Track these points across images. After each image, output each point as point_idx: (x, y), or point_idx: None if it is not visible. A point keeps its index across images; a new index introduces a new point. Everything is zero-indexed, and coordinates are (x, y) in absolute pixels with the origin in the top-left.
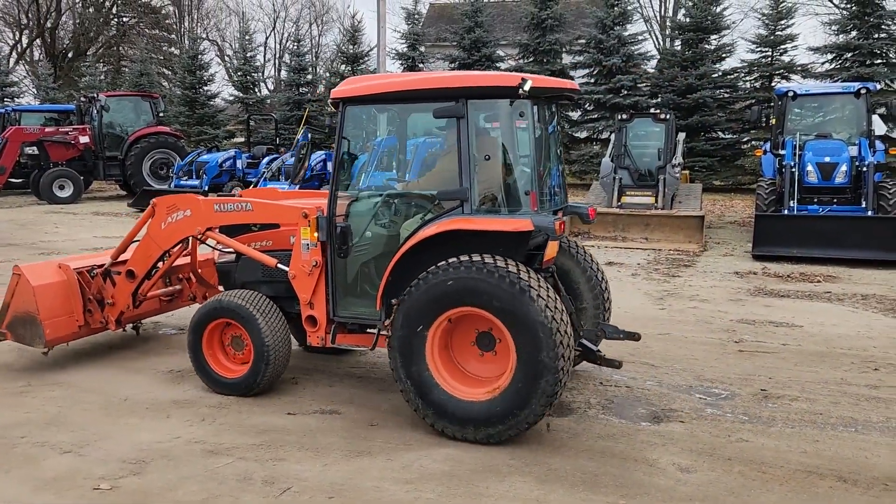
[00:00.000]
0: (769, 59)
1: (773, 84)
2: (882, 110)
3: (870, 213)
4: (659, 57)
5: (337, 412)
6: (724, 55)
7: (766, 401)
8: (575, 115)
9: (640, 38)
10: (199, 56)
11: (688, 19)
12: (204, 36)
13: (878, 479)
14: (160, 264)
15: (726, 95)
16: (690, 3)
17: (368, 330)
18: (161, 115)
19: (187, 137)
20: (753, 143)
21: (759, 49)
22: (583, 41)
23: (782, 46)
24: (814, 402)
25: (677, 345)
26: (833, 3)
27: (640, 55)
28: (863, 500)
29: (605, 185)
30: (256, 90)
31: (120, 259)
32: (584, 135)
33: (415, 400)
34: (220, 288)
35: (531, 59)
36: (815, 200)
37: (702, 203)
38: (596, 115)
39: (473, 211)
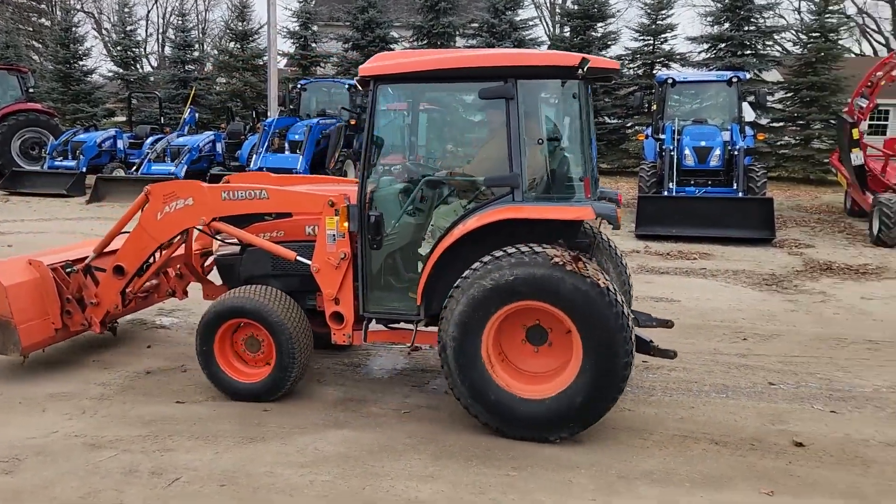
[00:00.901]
0: (651, 47)
1: (654, 71)
2: (751, 98)
3: (740, 194)
4: (549, 43)
5: (228, 399)
6: (609, 42)
7: (647, 371)
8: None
9: (530, 23)
10: (74, 28)
11: (576, 7)
12: (79, 7)
13: (745, 440)
14: (154, 258)
15: (612, 81)
16: None
17: (396, 325)
18: (31, 90)
19: (62, 116)
20: (637, 127)
21: (641, 38)
22: (476, 25)
23: (663, 35)
24: (689, 371)
25: None
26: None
27: (531, 41)
28: (732, 459)
29: None
30: (138, 66)
31: (106, 251)
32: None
33: (468, 400)
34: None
35: (425, 42)
36: (693, 182)
37: None
38: None
39: (524, 198)
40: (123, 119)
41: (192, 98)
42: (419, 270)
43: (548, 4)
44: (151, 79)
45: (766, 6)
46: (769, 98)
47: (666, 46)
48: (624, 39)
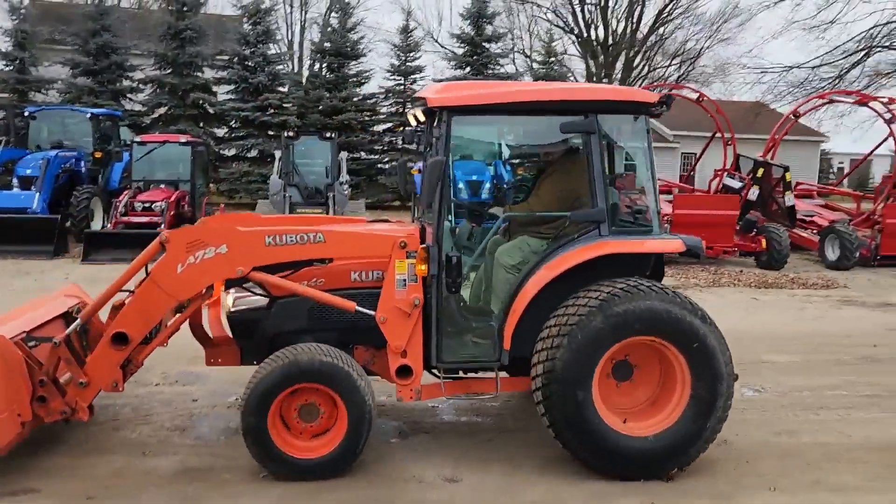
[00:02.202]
0: (402, 86)
1: (406, 109)
2: None
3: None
4: (306, 78)
5: (35, 490)
6: (363, 80)
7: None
8: (221, 132)
9: (284, 57)
10: None
11: (328, 44)
12: None
13: None
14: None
15: (367, 118)
16: (330, 29)
17: (463, 374)
18: None
19: None
20: (394, 163)
21: (393, 77)
22: (226, 57)
23: (412, 76)
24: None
25: None
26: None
27: (285, 75)
28: None
29: (276, 203)
30: None
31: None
32: (231, 152)
33: (575, 444)
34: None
35: (170, 71)
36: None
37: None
38: (243, 133)
39: (610, 232)
40: None
41: None
42: (500, 312)
43: (299, 40)
44: None
45: (500, 54)
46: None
47: (417, 86)
48: (377, 78)
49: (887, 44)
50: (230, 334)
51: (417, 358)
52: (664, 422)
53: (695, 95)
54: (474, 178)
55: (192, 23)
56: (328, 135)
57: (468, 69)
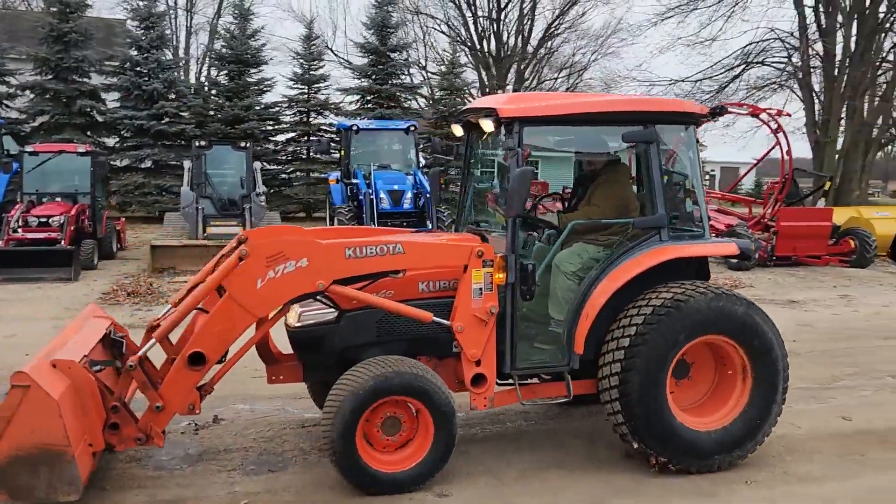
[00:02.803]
0: (306, 95)
1: (310, 119)
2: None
3: None
4: (207, 85)
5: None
6: (265, 89)
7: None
8: (111, 141)
9: (180, 63)
10: None
11: (228, 51)
12: None
13: None
14: None
15: (270, 127)
16: (229, 36)
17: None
18: None
19: None
20: (299, 173)
21: (296, 85)
22: (116, 62)
23: (316, 85)
24: None
25: None
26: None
27: (182, 82)
28: None
29: (188, 216)
30: None
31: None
32: (124, 163)
33: (654, 442)
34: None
35: (52, 76)
36: (389, 224)
37: None
38: (136, 143)
39: (670, 238)
40: None
41: None
42: (568, 317)
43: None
44: None
45: (404, 63)
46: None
47: (321, 95)
48: (280, 87)
49: (761, 60)
50: (292, 350)
51: (491, 366)
52: (730, 414)
53: None
54: (396, 187)
55: (76, 25)
56: (243, 143)
57: (373, 79)
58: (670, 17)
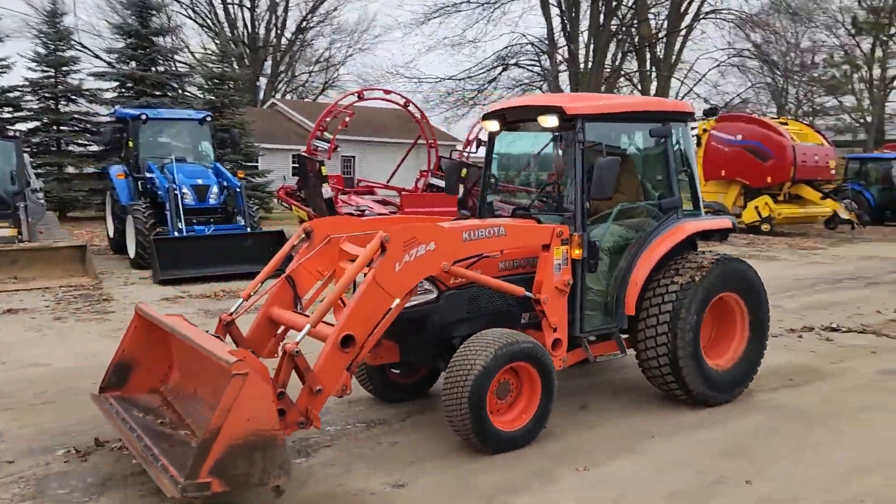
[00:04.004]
0: (53, 80)
1: (59, 106)
2: (227, 136)
3: (248, 229)
4: None
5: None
6: (1, 70)
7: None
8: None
9: None
10: None
11: None
12: None
13: None
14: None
15: (9, 115)
16: None
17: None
18: None
19: None
20: (49, 168)
21: (39, 68)
22: None
23: (65, 68)
24: None
25: None
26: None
27: None
28: None
29: None
30: None
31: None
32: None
33: (692, 379)
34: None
35: None
36: (195, 221)
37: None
38: None
39: (682, 216)
40: None
41: None
42: (614, 286)
43: None
44: None
45: (170, 50)
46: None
47: (73, 80)
48: (20, 69)
49: (515, 62)
50: (394, 330)
51: (564, 330)
52: (734, 355)
53: (402, 101)
54: (200, 181)
55: None
56: (11, 132)
57: (133, 64)
58: (435, 18)
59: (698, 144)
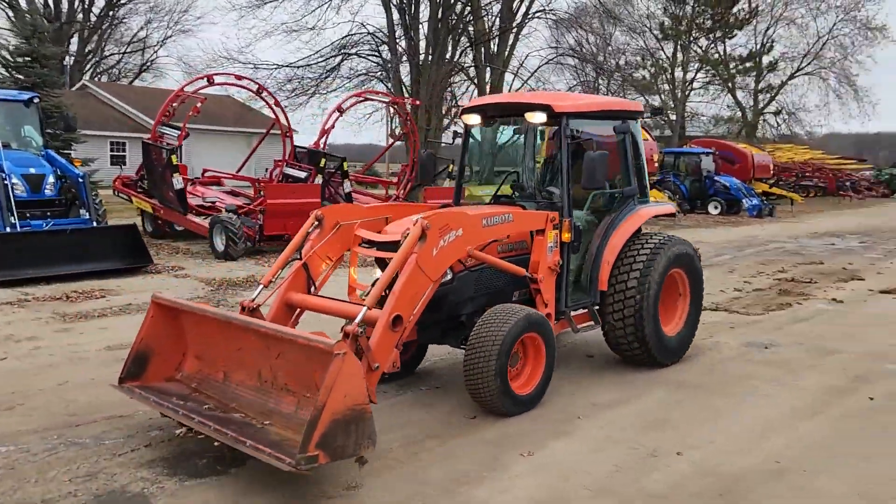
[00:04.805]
0: None
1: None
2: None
3: (94, 223)
4: None
5: None
6: None
7: None
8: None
9: None
10: None
11: None
12: None
13: None
14: None
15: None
16: None
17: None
18: None
19: None
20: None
21: None
22: None
23: None
24: None
25: None
26: None
27: None
28: None
29: None
30: None
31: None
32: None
33: (653, 344)
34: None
35: None
36: (28, 215)
37: None
38: None
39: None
40: None
41: None
42: (586, 265)
43: None
44: None
45: None
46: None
47: None
48: None
49: (355, 52)
50: None
51: (553, 306)
52: (679, 323)
53: (255, 87)
54: (32, 171)
55: None
56: None
57: None
58: (271, 2)
59: (541, 139)
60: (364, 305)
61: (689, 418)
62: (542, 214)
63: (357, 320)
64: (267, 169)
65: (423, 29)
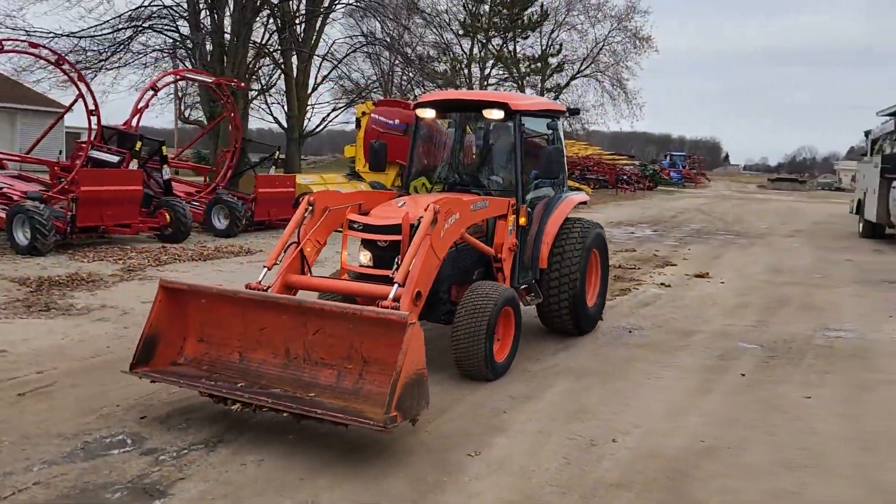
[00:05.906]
0: None
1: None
2: None
3: None
4: None
5: None
6: None
7: None
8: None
9: None
10: None
11: None
12: None
13: None
14: None
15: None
16: None
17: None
18: None
19: None
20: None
21: None
22: None
23: None
24: None
25: None
26: None
27: None
28: None
29: None
30: None
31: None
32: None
33: (580, 314)
34: None
35: None
36: None
37: None
38: None
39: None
40: None
41: None
42: (534, 244)
43: None
44: None
45: None
46: None
47: None
48: None
49: (149, 26)
50: None
51: (509, 282)
52: (594, 294)
53: (54, 57)
54: None
55: None
56: None
57: None
58: None
59: (357, 127)
60: (396, 283)
61: (603, 405)
62: (505, 201)
63: (391, 296)
64: (61, 151)
65: (230, 6)
